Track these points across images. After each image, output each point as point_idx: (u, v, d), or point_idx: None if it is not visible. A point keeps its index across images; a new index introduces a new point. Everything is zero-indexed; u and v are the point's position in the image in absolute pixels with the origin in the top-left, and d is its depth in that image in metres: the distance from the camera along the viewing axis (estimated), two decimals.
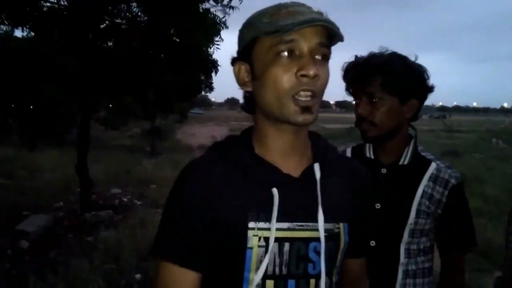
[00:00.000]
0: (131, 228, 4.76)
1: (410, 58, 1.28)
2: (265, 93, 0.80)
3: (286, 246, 0.81)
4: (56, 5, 5.24)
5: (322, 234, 0.82)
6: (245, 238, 0.80)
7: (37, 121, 5.06)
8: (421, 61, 1.29)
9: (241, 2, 5.10)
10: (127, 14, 5.45)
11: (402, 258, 1.28)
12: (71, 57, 4.89)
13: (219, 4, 5.25)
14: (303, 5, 0.80)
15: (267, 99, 0.81)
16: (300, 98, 0.78)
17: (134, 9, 5.41)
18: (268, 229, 0.80)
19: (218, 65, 6.16)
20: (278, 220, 0.80)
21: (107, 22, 5.41)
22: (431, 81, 1.30)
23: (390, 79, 1.21)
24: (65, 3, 5.26)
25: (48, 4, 5.20)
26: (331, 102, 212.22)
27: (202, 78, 7.49)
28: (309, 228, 0.83)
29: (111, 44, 5.61)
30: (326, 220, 0.83)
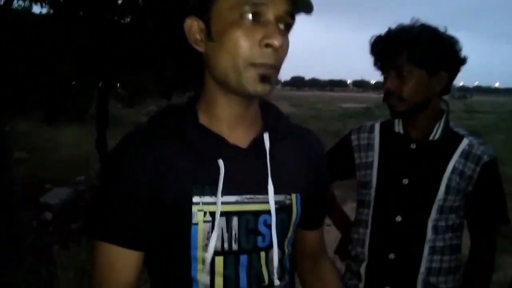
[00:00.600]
0: None
1: (440, 29, 1.22)
2: (221, 58, 0.72)
3: (234, 220, 0.76)
4: None
5: (272, 207, 0.78)
6: (189, 213, 0.74)
7: (55, 96, 5.16)
8: None
9: None
10: None
11: (429, 235, 1.26)
12: (88, 34, 4.94)
13: None
14: None
15: (223, 65, 0.73)
16: (260, 67, 0.71)
17: None
18: (214, 203, 0.75)
19: None
20: (225, 193, 0.75)
21: None
22: (465, 56, 1.24)
23: (417, 51, 1.17)
24: None
25: None
26: (348, 81, 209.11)
27: None
28: (259, 200, 0.78)
29: (128, 18, 5.62)
30: (276, 192, 0.79)
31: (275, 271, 0.80)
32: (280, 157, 0.82)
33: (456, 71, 1.26)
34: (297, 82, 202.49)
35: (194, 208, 0.74)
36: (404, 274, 1.29)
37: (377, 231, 1.32)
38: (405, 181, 1.27)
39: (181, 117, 0.79)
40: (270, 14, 0.71)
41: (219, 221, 0.75)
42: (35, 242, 4.08)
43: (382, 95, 1.30)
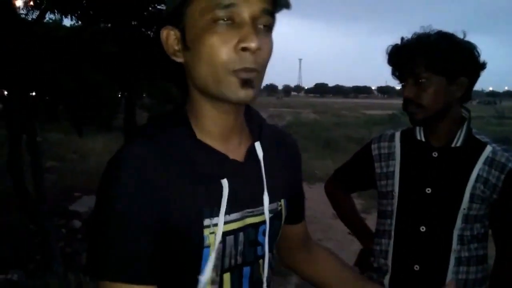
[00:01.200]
0: None
1: (457, 35, 1.21)
2: (199, 67, 0.68)
3: (241, 236, 0.75)
4: None
5: (267, 217, 0.78)
6: (201, 237, 0.70)
7: (83, 107, 5.31)
8: (475, 42, 1.22)
9: None
10: None
11: (455, 245, 1.23)
12: (115, 45, 5.08)
13: None
14: None
15: (202, 74, 0.68)
16: (240, 72, 0.66)
17: None
18: (224, 223, 0.72)
19: None
20: (230, 212, 0.73)
21: (150, 8, 5.54)
22: (484, 60, 1.22)
23: (435, 58, 1.17)
24: None
25: None
26: (373, 88, 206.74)
27: None
28: (258, 212, 0.78)
29: (153, 30, 5.75)
30: (270, 201, 0.78)
31: (266, 275, 0.81)
32: (270, 165, 0.80)
33: (476, 76, 1.24)
34: (321, 89, 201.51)
35: (206, 231, 0.70)
36: (429, 286, 1.26)
37: (401, 242, 1.30)
38: (428, 190, 1.25)
39: (177, 132, 0.72)
40: (244, 15, 0.65)
41: (228, 240, 0.74)
42: (64, 249, 4.18)
43: None
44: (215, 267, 0.73)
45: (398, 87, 1.30)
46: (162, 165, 0.69)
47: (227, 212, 0.73)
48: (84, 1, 5.17)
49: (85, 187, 6.28)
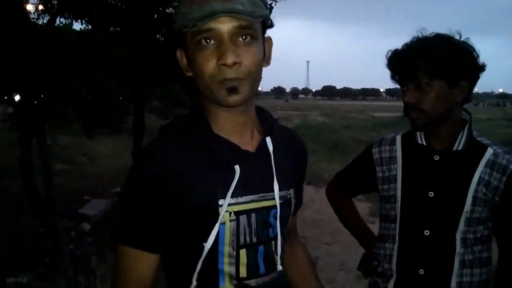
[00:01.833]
0: None
1: (455, 37, 1.21)
2: (198, 80, 0.83)
3: (253, 217, 0.87)
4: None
5: (277, 202, 0.90)
6: (217, 215, 0.82)
7: (93, 110, 5.37)
8: (477, 45, 1.22)
9: None
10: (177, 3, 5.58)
11: (458, 248, 1.23)
12: (125, 48, 5.11)
13: None
14: None
15: (200, 85, 0.83)
16: (225, 82, 0.79)
17: None
18: (236, 203, 0.85)
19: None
20: (244, 194, 0.85)
21: (159, 12, 5.58)
22: (483, 62, 1.22)
23: (435, 63, 1.16)
24: None
25: None
26: (381, 90, 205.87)
27: None
28: (269, 197, 0.89)
29: (162, 34, 5.79)
30: (280, 189, 0.90)
31: (279, 256, 0.92)
32: (279, 157, 0.92)
33: (476, 78, 1.23)
34: (329, 92, 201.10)
35: (221, 210, 0.83)
36: None
37: (405, 246, 1.30)
38: (431, 194, 1.25)
39: (197, 128, 0.87)
40: (222, 35, 0.77)
41: (241, 219, 0.85)
42: (73, 252, 4.21)
43: None
44: (231, 242, 0.85)
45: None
46: (183, 154, 0.84)
47: (240, 194, 0.85)
48: (94, 6, 5.23)
49: (94, 190, 6.34)
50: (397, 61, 1.24)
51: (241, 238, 0.86)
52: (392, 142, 1.37)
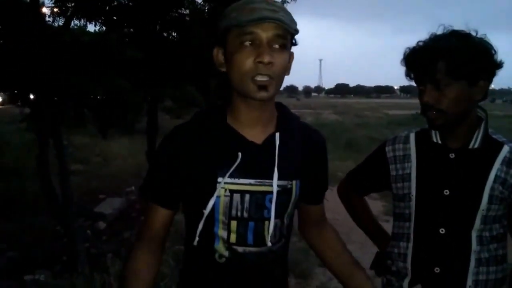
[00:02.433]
0: None
1: (472, 34, 1.18)
2: (233, 74, 0.98)
3: (247, 196, 1.02)
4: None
5: (275, 189, 1.03)
6: (214, 189, 1.01)
7: (108, 110, 5.42)
8: (493, 40, 1.19)
9: None
10: (190, 4, 5.61)
11: (474, 246, 1.22)
12: (139, 49, 5.16)
13: None
14: (263, 1, 0.95)
15: (234, 79, 0.98)
16: (257, 79, 0.94)
17: None
18: (233, 183, 1.01)
19: None
20: (241, 177, 1.01)
21: (172, 13, 5.61)
22: (501, 58, 1.19)
23: (456, 63, 1.14)
24: None
25: None
26: (395, 87, 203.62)
27: None
28: (267, 184, 1.03)
29: (175, 34, 5.82)
30: (280, 178, 1.03)
31: (270, 234, 1.04)
32: (287, 152, 1.05)
33: (494, 76, 1.21)
34: (342, 90, 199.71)
35: (218, 186, 1.01)
36: None
37: (420, 244, 1.29)
38: (447, 192, 1.24)
39: (214, 119, 1.06)
40: (262, 39, 0.94)
41: (235, 196, 1.02)
42: (89, 250, 4.27)
43: None
44: (224, 213, 1.03)
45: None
46: (198, 137, 1.04)
47: (238, 176, 1.01)
48: (108, 7, 5.29)
49: (109, 189, 6.41)
50: (415, 60, 1.21)
51: (233, 212, 1.03)
52: (406, 140, 1.35)
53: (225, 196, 1.02)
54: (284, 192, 1.06)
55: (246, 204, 1.03)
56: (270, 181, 1.03)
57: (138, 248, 1.10)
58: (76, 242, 3.81)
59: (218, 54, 1.02)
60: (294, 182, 1.08)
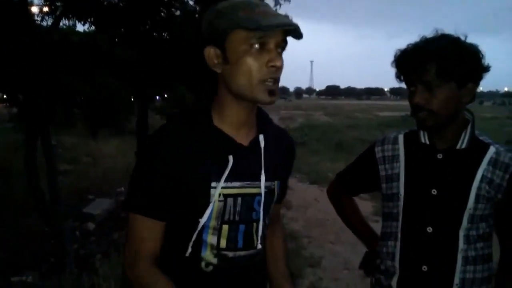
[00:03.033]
0: None
1: (461, 38, 1.21)
2: (237, 77, 0.94)
3: (239, 200, 1.01)
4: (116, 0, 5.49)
5: (263, 191, 1.04)
6: (208, 194, 0.97)
7: (98, 111, 5.39)
8: (482, 43, 1.23)
9: None
10: (181, 5, 5.60)
11: (461, 244, 1.24)
12: (128, 49, 5.13)
13: None
14: (268, 5, 0.98)
15: (239, 82, 0.94)
16: (267, 83, 0.94)
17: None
18: (227, 187, 0.99)
19: None
20: (233, 180, 0.99)
21: (162, 13, 5.59)
22: (489, 62, 1.22)
23: (446, 65, 1.16)
24: None
25: None
26: (385, 89, 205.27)
27: None
28: (255, 185, 1.03)
29: (166, 35, 5.80)
30: (266, 179, 1.04)
31: (259, 236, 1.05)
32: (269, 153, 1.06)
33: (481, 79, 1.24)
34: (332, 91, 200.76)
35: (212, 191, 0.97)
36: (438, 286, 1.27)
37: (408, 243, 1.31)
38: (434, 191, 1.26)
39: (201, 120, 1.01)
40: (271, 43, 0.93)
41: (229, 201, 1.00)
42: (78, 251, 4.22)
43: None
44: (217, 218, 1.00)
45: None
46: (187, 141, 0.98)
47: (230, 180, 0.99)
48: (97, 7, 5.25)
49: (99, 190, 6.35)
50: (406, 62, 1.24)
51: (226, 216, 1.00)
52: (395, 141, 1.38)
53: (219, 201, 0.99)
54: (269, 193, 1.07)
55: (238, 207, 1.02)
56: (258, 182, 1.03)
57: (147, 272, 0.99)
58: (65, 243, 3.77)
59: (213, 55, 0.97)
60: (276, 182, 1.09)
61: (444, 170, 1.26)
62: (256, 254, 1.06)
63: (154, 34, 5.70)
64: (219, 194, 0.98)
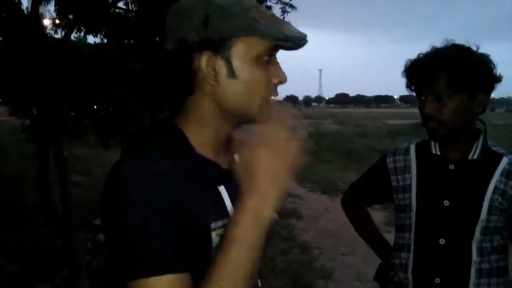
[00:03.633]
0: None
1: (472, 48, 1.21)
2: (242, 93, 0.77)
3: None
4: (125, 11, 5.56)
5: None
6: (209, 239, 0.77)
7: (109, 121, 5.44)
8: (492, 49, 1.22)
9: None
10: None
11: (475, 257, 1.22)
12: (139, 61, 5.19)
13: (279, 2, 5.29)
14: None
15: (242, 99, 0.78)
16: (269, 101, 0.80)
17: None
18: (223, 226, 0.78)
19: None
20: (225, 215, 0.80)
21: None
22: (501, 70, 1.22)
23: (457, 76, 1.16)
24: (134, 8, 5.56)
25: (118, 10, 5.55)
26: (395, 97, 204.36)
27: None
28: None
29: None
30: None
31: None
32: None
33: (493, 90, 1.24)
34: (342, 99, 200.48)
35: (213, 234, 0.77)
36: None
37: (421, 255, 1.30)
38: (446, 203, 1.25)
39: (178, 146, 0.79)
40: (275, 56, 0.81)
41: None
42: (90, 263, 4.23)
43: None
44: None
45: None
46: (172, 175, 0.74)
47: (224, 216, 0.79)
48: (108, 19, 5.33)
49: None
50: (416, 71, 1.24)
51: None
52: (406, 151, 1.37)
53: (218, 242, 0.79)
54: None
55: None
56: None
57: None
58: (77, 255, 3.78)
59: (213, 63, 0.77)
60: None
61: (456, 181, 1.25)
62: None
63: (163, 45, 5.76)
64: (219, 236, 0.77)
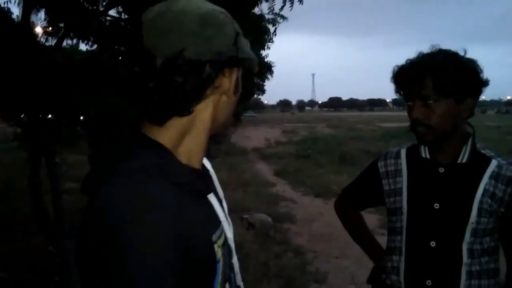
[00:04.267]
0: None
1: (459, 53, 1.22)
2: (229, 110, 0.82)
3: (226, 245, 0.79)
4: (116, 19, 5.56)
5: (230, 222, 0.84)
6: (214, 253, 0.72)
7: (101, 128, 5.42)
8: (483, 52, 1.24)
9: (291, 9, 5.10)
10: None
11: (465, 259, 1.24)
12: (131, 67, 5.19)
13: (271, 13, 5.31)
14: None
15: (227, 116, 0.82)
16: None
17: None
18: (220, 236, 0.76)
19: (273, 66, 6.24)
20: (219, 223, 0.77)
21: None
22: (491, 72, 1.25)
23: (444, 80, 1.18)
24: (126, 16, 5.56)
25: (109, 18, 5.54)
26: (388, 100, 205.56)
27: (258, 81, 7.62)
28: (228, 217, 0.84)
29: None
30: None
31: (240, 278, 0.86)
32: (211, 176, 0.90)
33: (480, 94, 1.26)
34: (335, 103, 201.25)
35: (215, 247, 0.73)
36: None
37: (412, 257, 1.31)
38: (437, 206, 1.26)
39: (167, 161, 0.72)
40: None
41: (224, 250, 0.77)
42: None
43: None
44: (222, 281, 0.75)
45: None
46: (169, 198, 0.66)
47: (218, 224, 0.77)
48: (100, 26, 5.32)
49: None
50: (403, 77, 1.25)
51: (225, 272, 0.77)
52: (397, 155, 1.39)
53: (223, 255, 0.76)
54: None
55: (226, 255, 0.79)
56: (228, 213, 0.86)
57: None
58: (69, 262, 3.75)
59: (236, 78, 0.80)
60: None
61: (446, 184, 1.27)
62: None
63: None
64: (220, 247, 0.74)
